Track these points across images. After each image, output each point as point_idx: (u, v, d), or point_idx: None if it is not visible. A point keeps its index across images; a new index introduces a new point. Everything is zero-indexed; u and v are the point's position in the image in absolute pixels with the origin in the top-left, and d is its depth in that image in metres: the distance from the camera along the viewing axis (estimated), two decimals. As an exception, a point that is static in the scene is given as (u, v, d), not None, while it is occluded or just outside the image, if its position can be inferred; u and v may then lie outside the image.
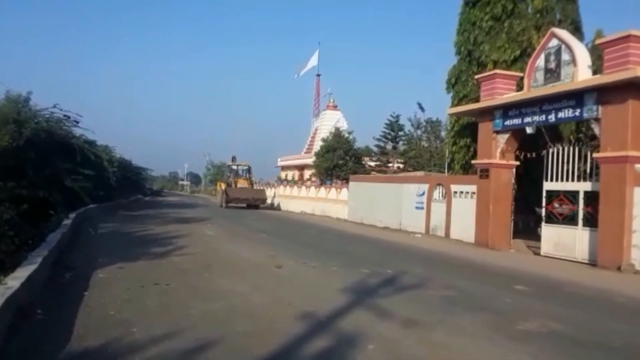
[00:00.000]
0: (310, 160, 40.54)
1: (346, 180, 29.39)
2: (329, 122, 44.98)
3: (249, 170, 39.43)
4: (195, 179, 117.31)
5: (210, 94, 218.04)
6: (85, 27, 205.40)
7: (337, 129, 38.56)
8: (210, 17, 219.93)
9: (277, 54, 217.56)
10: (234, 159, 39.96)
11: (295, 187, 36.80)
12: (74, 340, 5.20)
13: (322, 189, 32.19)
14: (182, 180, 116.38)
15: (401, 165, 35.51)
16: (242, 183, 37.69)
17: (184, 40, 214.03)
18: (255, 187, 39.17)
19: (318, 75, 56.85)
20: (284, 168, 53.59)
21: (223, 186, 37.50)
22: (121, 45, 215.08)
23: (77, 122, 17.89)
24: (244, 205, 34.46)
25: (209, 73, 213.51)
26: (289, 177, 47.90)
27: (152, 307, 6.67)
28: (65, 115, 17.17)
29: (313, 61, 56.13)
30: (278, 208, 37.38)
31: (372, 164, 37.65)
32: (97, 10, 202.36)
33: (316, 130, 47.50)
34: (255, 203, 34.82)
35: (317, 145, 39.57)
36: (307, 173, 43.17)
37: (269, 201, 37.41)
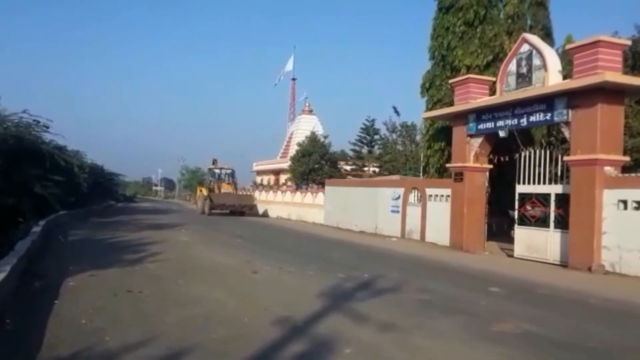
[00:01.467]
0: (285, 164, 40.33)
1: (322, 185, 29.39)
2: (304, 127, 44.94)
3: (232, 174, 37.09)
4: (169, 184, 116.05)
5: (184, 98, 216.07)
6: (56, 30, 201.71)
7: (312, 133, 38.49)
8: (184, 22, 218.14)
9: (252, 57, 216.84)
10: (215, 161, 37.10)
11: (271, 192, 36.59)
12: (45, 350, 5.07)
13: (298, 193, 32.13)
14: (156, 185, 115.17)
15: (377, 169, 35.69)
16: (226, 188, 35.18)
17: (156, 44, 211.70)
18: (240, 193, 36.92)
19: (293, 79, 56.96)
20: (259, 173, 53.35)
21: (205, 192, 35.02)
22: (93, 49, 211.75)
23: (47, 127, 17.48)
24: (227, 212, 32.49)
25: (183, 78, 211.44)
26: (265, 182, 47.68)
27: (125, 315, 6.54)
28: (34, 121, 16.77)
29: (288, 66, 56.19)
30: (256, 214, 35.43)
31: (348, 168, 37.76)
32: (69, 14, 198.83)
33: (292, 134, 47.42)
34: (242, 210, 32.51)
35: (293, 149, 39.43)
36: (283, 177, 42.95)
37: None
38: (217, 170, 36.97)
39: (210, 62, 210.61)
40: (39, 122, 16.89)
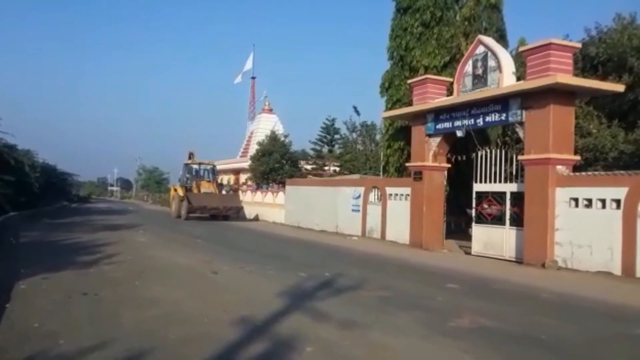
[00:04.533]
0: (246, 164, 39.97)
1: (283, 184, 29.30)
2: (264, 126, 44.68)
3: (213, 171, 31.98)
4: (126, 184, 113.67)
5: (140, 97, 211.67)
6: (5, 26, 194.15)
7: (273, 132, 38.29)
8: (138, 18, 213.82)
9: (210, 56, 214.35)
10: (191, 155, 31.28)
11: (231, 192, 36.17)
12: (-6, 355, 4.87)
13: (259, 193, 31.93)
14: (112, 185, 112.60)
15: (337, 169, 35.85)
16: (206, 187, 29.91)
17: (112, 41, 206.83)
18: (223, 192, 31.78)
19: (253, 78, 56.49)
20: (219, 172, 52.78)
21: (181, 191, 29.65)
22: (45, 45, 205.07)
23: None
24: (206, 216, 28.30)
25: (138, 76, 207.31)
26: (225, 182, 47.16)
27: (80, 318, 6.35)
28: (-18, 119, 16.14)
29: (248, 64, 55.71)
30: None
31: (309, 167, 37.78)
32: (18, 9, 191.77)
33: (252, 133, 47.08)
34: (227, 213, 28.14)
35: (253, 148, 39.13)
36: (243, 177, 42.57)
37: None
38: (195, 166, 31.18)
39: (169, 61, 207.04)
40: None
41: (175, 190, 31.15)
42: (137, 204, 59.63)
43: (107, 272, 9.78)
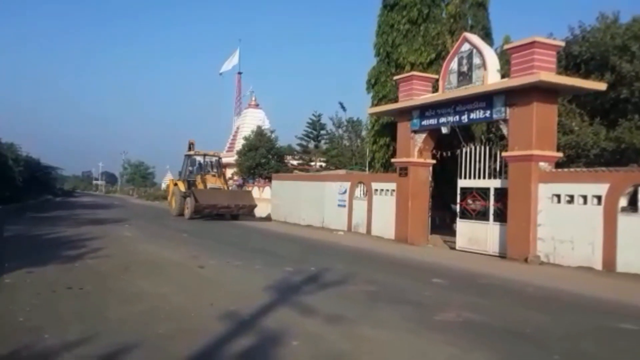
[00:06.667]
0: (232, 159, 39.87)
1: (269, 179, 29.25)
2: (250, 121, 44.57)
3: (219, 164, 28.33)
4: (111, 178, 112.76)
5: (126, 92, 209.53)
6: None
7: (259, 127, 38.20)
8: (125, 14, 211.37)
9: (197, 51, 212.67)
10: (191, 146, 27.46)
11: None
12: (-21, 349, 4.85)
13: (234, 187, 31.79)
14: (97, 179, 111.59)
15: (323, 164, 35.90)
16: (213, 182, 25.84)
17: (98, 37, 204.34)
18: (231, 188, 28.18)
19: (239, 73, 56.31)
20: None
21: (182, 187, 26.04)
22: (31, 40, 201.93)
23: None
24: (214, 214, 24.43)
25: (125, 71, 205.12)
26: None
27: (65, 313, 6.33)
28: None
29: (234, 59, 55.47)
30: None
31: (295, 162, 37.78)
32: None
33: (238, 128, 46.94)
34: (239, 212, 24.57)
35: (239, 143, 39.04)
36: (229, 172, 42.47)
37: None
38: (198, 158, 27.54)
39: (154, 56, 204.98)
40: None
41: (176, 185, 27.31)
42: (122, 199, 59.15)
43: (92, 267, 9.75)
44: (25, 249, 12.06)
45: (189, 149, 27.57)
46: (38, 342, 5.09)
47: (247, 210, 24.73)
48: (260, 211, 26.67)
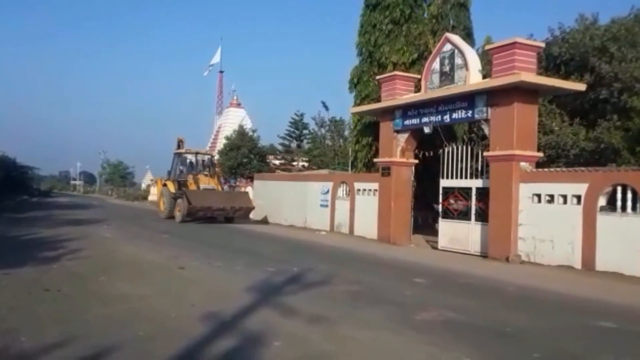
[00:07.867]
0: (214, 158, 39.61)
1: (251, 179, 29.11)
2: (232, 120, 44.37)
3: (212, 163, 26.94)
4: (89, 178, 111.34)
5: (106, 91, 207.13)
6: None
7: (241, 126, 38.02)
8: (106, 14, 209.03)
9: (177, 51, 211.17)
10: (181, 143, 25.56)
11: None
12: (-48, 353, 4.71)
13: (227, 187, 31.68)
14: (75, 179, 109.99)
15: (306, 164, 35.91)
16: (206, 182, 24.34)
17: (76, 37, 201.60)
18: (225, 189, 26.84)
19: (221, 72, 56.05)
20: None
21: (172, 187, 24.22)
22: (7, 39, 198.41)
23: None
24: (207, 216, 22.71)
25: (105, 70, 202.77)
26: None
27: (42, 315, 6.19)
28: None
29: (216, 58, 55.21)
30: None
31: (277, 162, 37.74)
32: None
33: (219, 127, 46.69)
34: (235, 214, 22.99)
35: (221, 143, 38.83)
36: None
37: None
38: (189, 157, 25.97)
39: (135, 55, 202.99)
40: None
41: (165, 185, 25.26)
42: (101, 199, 58.33)
43: (70, 268, 9.57)
44: (2, 250, 11.81)
45: (178, 146, 25.75)
46: (14, 345, 4.97)
47: (243, 213, 23.16)
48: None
